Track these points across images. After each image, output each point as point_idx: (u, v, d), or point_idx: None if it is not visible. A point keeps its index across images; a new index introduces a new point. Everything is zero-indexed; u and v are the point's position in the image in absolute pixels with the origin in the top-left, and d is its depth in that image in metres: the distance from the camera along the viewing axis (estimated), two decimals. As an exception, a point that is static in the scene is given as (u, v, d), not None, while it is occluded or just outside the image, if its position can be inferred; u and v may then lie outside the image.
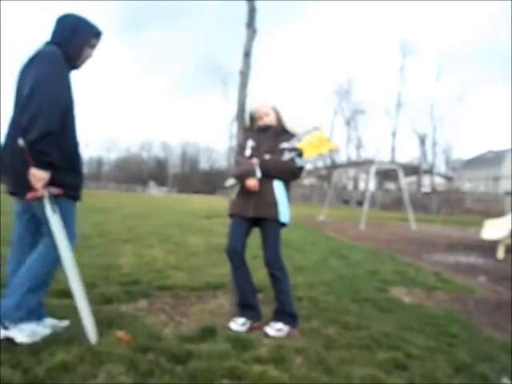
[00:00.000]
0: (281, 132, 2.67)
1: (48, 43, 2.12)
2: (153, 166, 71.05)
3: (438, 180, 40.08)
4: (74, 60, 2.15)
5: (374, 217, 15.68)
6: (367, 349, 2.22)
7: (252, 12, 2.79)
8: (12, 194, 2.16)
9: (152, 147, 72.50)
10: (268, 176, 2.55)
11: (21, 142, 1.91)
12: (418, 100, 48.59)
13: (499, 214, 13.60)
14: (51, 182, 1.98)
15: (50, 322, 2.21)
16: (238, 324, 2.45)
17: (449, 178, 39.63)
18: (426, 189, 36.87)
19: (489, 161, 39.88)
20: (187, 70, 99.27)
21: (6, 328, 1.96)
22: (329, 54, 79.09)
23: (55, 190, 2.00)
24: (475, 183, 36.75)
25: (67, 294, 2.87)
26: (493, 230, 7.47)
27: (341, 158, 40.36)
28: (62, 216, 2.05)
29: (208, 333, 2.29)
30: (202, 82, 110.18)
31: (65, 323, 2.27)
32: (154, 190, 55.53)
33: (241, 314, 2.53)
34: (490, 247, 7.27)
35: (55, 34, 2.13)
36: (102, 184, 56.36)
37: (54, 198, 2.01)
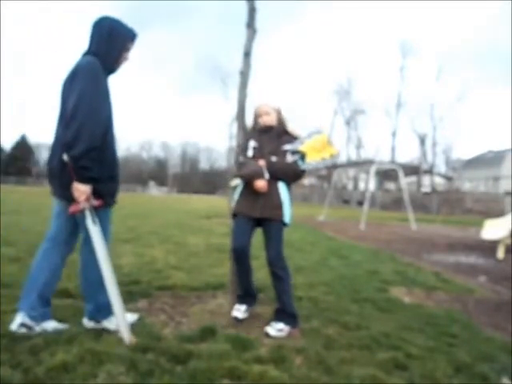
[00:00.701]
0: (282, 133, 2.68)
1: (85, 53, 2.19)
2: (153, 166, 71.10)
3: (438, 180, 40.07)
4: (111, 66, 2.24)
5: (373, 217, 15.68)
6: (367, 349, 2.22)
7: (252, 12, 2.79)
8: (54, 195, 2.27)
9: (152, 147, 72.65)
10: (273, 177, 2.57)
11: (65, 157, 2.03)
12: (418, 100, 48.65)
13: (499, 214, 13.60)
14: (92, 192, 2.08)
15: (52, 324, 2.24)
16: (242, 311, 2.56)
17: (449, 178, 39.61)
18: (426, 189, 36.84)
19: (489, 161, 39.88)
20: (187, 70, 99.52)
21: (98, 322, 2.26)
22: (329, 54, 79.23)
23: (96, 202, 2.10)
24: (475, 183, 36.74)
25: (67, 293, 2.88)
26: (493, 229, 7.47)
27: (341, 158, 40.33)
28: (102, 223, 2.17)
29: (208, 333, 2.29)
30: (202, 82, 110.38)
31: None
32: (154, 190, 55.56)
33: (242, 302, 2.63)
34: (490, 247, 7.27)
35: (92, 42, 2.19)
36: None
37: (95, 210, 2.12)
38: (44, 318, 2.19)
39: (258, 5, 2.79)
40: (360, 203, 25.35)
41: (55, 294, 2.81)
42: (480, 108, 75.31)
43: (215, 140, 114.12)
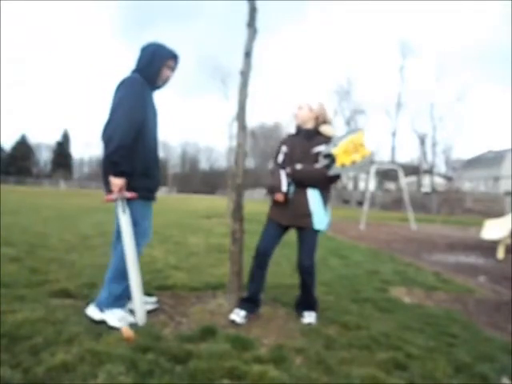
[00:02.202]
0: (313, 134, 2.63)
1: (133, 71, 2.50)
2: (153, 166, 70.92)
3: (438, 180, 40.02)
4: (153, 81, 2.51)
5: (373, 217, 15.67)
6: (367, 349, 2.22)
7: (252, 12, 2.79)
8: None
9: (152, 147, 72.44)
10: (300, 185, 2.55)
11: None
12: (418, 100, 48.57)
13: (499, 214, 13.60)
14: (127, 187, 2.34)
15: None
16: (240, 316, 2.54)
17: (449, 178, 39.57)
18: (425, 189, 36.83)
19: (489, 161, 39.88)
20: (188, 70, 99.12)
21: (101, 311, 2.37)
22: (329, 54, 79.20)
23: (128, 194, 2.36)
24: (475, 183, 36.76)
25: (67, 293, 2.88)
26: (493, 230, 7.46)
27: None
28: (134, 215, 2.40)
29: (208, 333, 2.29)
30: (202, 82, 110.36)
31: (153, 299, 2.76)
32: (154, 190, 55.41)
33: (242, 307, 2.62)
34: (490, 247, 7.27)
35: (138, 62, 2.52)
36: (102, 184, 56.34)
37: (127, 201, 2.36)
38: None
39: (259, 5, 2.79)
40: (360, 203, 25.33)
41: (55, 294, 2.82)
42: (480, 108, 75.13)
43: (215, 140, 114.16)
